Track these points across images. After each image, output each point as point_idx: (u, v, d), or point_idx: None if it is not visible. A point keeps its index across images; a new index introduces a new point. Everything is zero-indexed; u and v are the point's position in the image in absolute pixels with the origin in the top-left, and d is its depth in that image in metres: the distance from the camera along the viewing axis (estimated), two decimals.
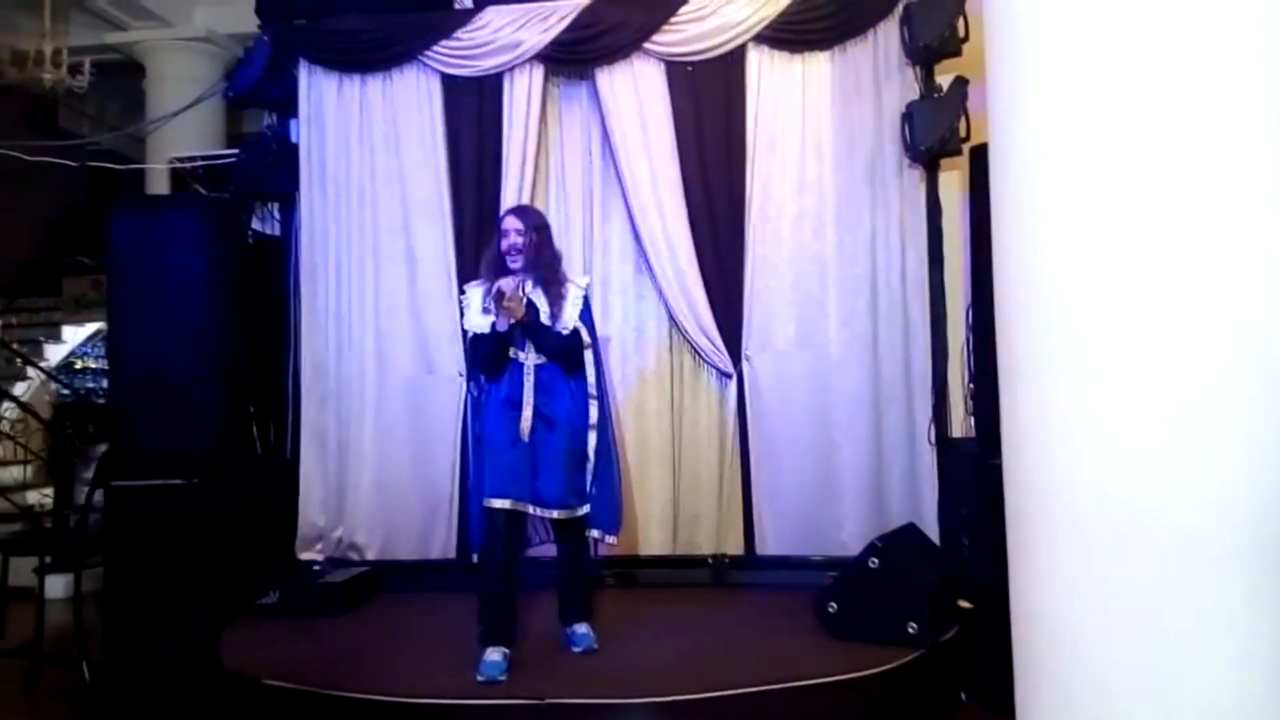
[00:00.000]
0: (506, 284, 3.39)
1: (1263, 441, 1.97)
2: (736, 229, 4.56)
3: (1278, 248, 1.98)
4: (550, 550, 3.74)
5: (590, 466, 3.53)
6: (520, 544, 3.59)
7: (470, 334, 3.59)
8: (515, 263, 3.50)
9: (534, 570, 3.77)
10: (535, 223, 3.57)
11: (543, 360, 3.50)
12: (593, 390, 3.55)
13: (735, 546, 4.55)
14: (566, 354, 3.52)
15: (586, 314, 3.58)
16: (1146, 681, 2.01)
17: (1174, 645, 1.99)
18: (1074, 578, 2.14)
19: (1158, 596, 2.00)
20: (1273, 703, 1.94)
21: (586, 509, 3.55)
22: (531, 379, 3.50)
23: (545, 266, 3.54)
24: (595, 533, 3.59)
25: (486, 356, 3.53)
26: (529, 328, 3.45)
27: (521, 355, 3.51)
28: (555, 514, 3.50)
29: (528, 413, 3.47)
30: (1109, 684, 2.06)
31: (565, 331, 3.50)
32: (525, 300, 3.42)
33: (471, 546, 4.48)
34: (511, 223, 3.54)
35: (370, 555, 4.71)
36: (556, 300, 3.50)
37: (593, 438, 3.52)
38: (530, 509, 3.47)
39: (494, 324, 3.45)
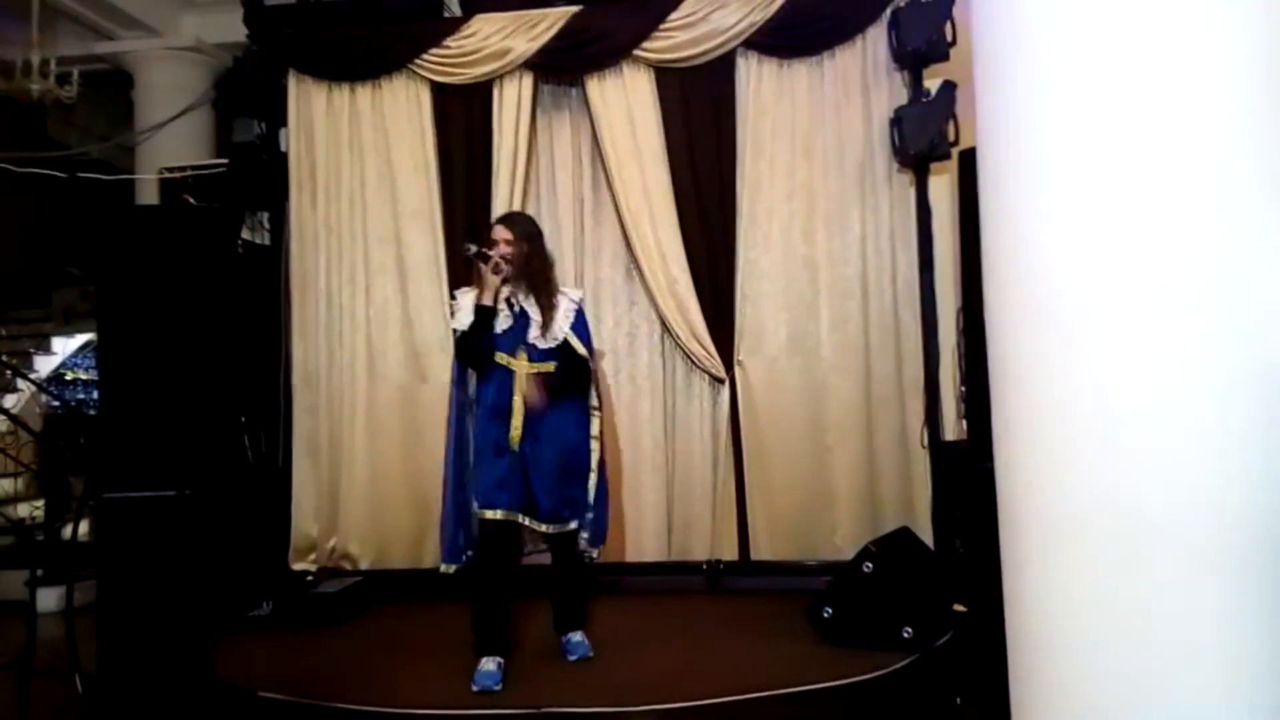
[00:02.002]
0: (497, 251, 3.41)
1: (1257, 444, 1.97)
2: (727, 234, 4.57)
3: (1270, 247, 1.99)
4: (544, 558, 3.74)
5: (594, 480, 3.56)
6: (514, 553, 3.58)
7: (458, 333, 3.54)
8: (505, 272, 3.44)
9: (528, 578, 3.76)
10: (525, 231, 3.52)
11: (535, 370, 3.48)
12: (594, 401, 3.57)
13: (729, 552, 4.54)
14: (579, 379, 3.54)
15: (580, 325, 3.55)
16: (1141, 685, 2.01)
17: (1168, 648, 1.99)
18: (1068, 580, 2.14)
19: (1152, 599, 2.00)
20: (1267, 706, 1.94)
21: (576, 523, 3.56)
22: (521, 387, 3.48)
23: (535, 275, 3.50)
24: (582, 544, 3.61)
25: (473, 345, 3.46)
26: (551, 390, 3.46)
27: (513, 363, 3.49)
28: (545, 528, 3.49)
29: (517, 421, 3.44)
30: (1103, 687, 2.06)
31: (555, 342, 3.48)
32: (503, 264, 3.41)
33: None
34: (500, 232, 3.50)
35: (363, 565, 4.70)
36: (548, 310, 3.48)
37: (596, 449, 3.55)
38: (521, 519, 3.46)
39: (477, 306, 3.42)
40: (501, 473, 3.43)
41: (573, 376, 3.52)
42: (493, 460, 3.45)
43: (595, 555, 3.67)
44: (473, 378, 3.60)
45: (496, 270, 3.40)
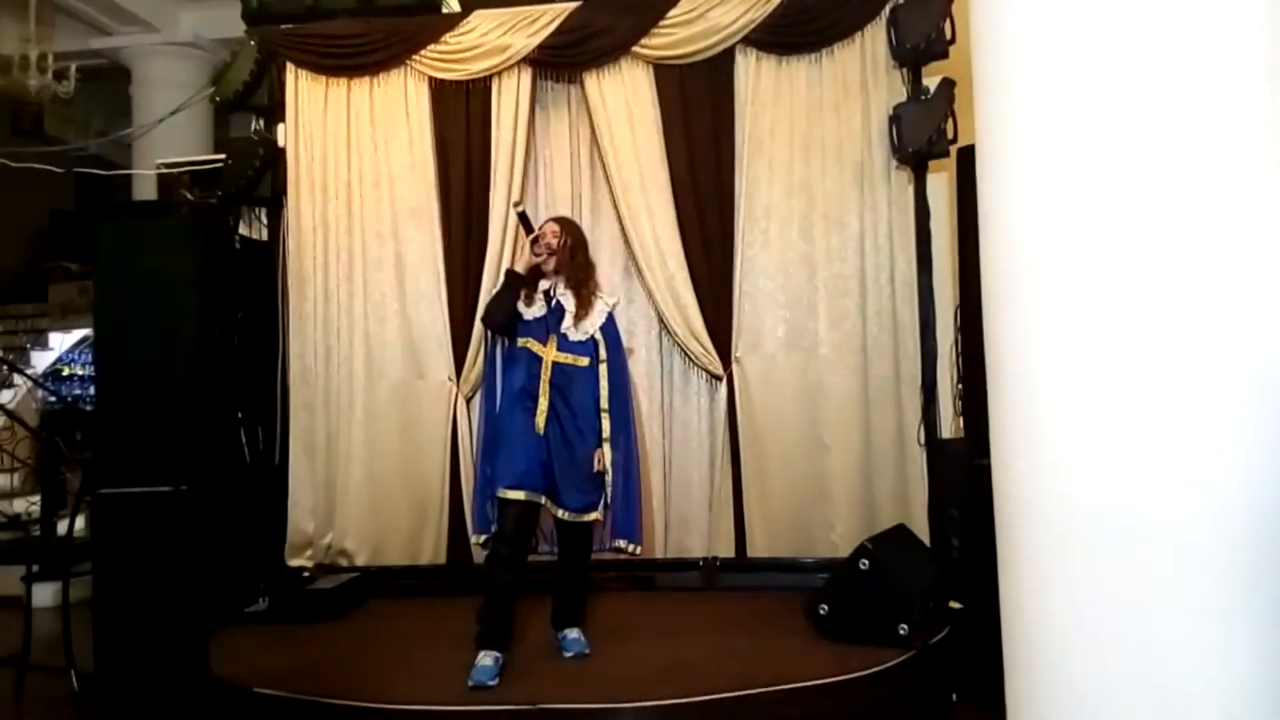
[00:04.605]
0: (543, 238, 3.63)
1: (1254, 445, 1.97)
2: (725, 231, 4.57)
3: (1268, 249, 1.98)
4: (548, 556, 3.76)
5: (608, 479, 3.58)
6: (529, 539, 3.60)
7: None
8: (547, 264, 3.61)
9: (530, 574, 3.76)
10: (572, 230, 3.73)
11: (563, 359, 3.55)
12: (604, 404, 3.59)
13: (726, 549, 4.55)
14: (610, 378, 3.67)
15: (610, 326, 3.67)
16: (1136, 681, 2.01)
17: (1163, 646, 1.99)
18: (1063, 578, 2.14)
19: (1146, 597, 2.01)
20: (1263, 702, 1.94)
21: (594, 515, 3.59)
22: (548, 374, 3.54)
23: (579, 269, 3.65)
24: (620, 543, 3.67)
25: (496, 304, 3.67)
26: None
27: (542, 350, 3.56)
28: (563, 514, 3.52)
29: (543, 405, 3.51)
30: (1098, 684, 2.06)
31: (585, 336, 3.59)
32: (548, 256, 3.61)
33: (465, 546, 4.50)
34: (550, 226, 3.69)
35: (360, 561, 4.70)
36: (585, 304, 3.60)
37: (607, 450, 3.56)
38: (543, 501, 3.49)
39: (507, 270, 3.72)
40: (525, 455, 3.48)
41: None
42: (518, 443, 3.51)
43: (630, 549, 3.70)
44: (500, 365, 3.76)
45: (535, 248, 3.59)
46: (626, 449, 3.67)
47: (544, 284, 3.64)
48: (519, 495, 3.44)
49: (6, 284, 9.05)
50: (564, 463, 3.51)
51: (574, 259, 3.64)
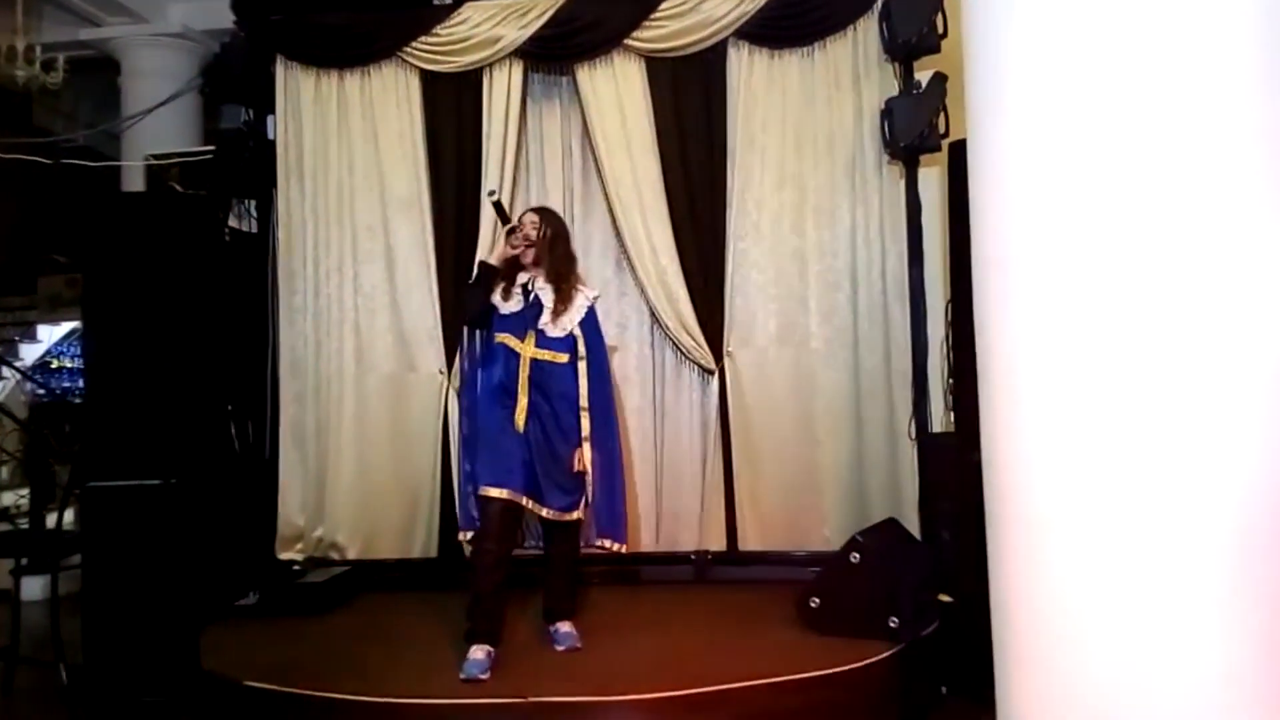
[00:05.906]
0: (521, 230, 3.58)
1: (1244, 434, 1.98)
2: (717, 225, 4.56)
3: (1258, 241, 1.99)
4: (535, 550, 3.75)
5: (588, 477, 3.53)
6: (514, 536, 3.57)
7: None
8: (526, 256, 3.56)
9: (520, 568, 3.76)
10: (553, 222, 3.66)
11: (541, 356, 3.51)
12: (583, 402, 3.54)
13: (717, 543, 4.54)
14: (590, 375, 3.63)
15: (590, 321, 3.60)
16: (1127, 673, 2.02)
17: (1154, 638, 2.00)
18: (1052, 571, 2.15)
19: (1138, 589, 2.01)
20: (1255, 695, 1.95)
21: (577, 514, 3.56)
22: (527, 371, 3.50)
23: (558, 262, 3.58)
24: (605, 542, 3.64)
25: (468, 297, 3.70)
26: None
27: (520, 346, 3.51)
28: (546, 512, 3.50)
29: (523, 402, 3.47)
30: (1088, 676, 2.07)
31: (564, 333, 3.53)
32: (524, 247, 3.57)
33: (454, 541, 4.49)
34: (529, 217, 3.62)
35: (351, 555, 4.68)
36: (564, 299, 3.54)
37: (587, 449, 3.52)
38: (524, 501, 3.46)
39: (480, 263, 3.71)
40: (506, 454, 3.45)
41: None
42: (497, 441, 3.48)
43: (614, 548, 3.68)
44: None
45: (512, 239, 3.54)
46: (609, 448, 3.62)
47: (523, 277, 3.58)
48: (501, 494, 3.41)
49: None
50: (545, 462, 3.48)
51: (554, 251, 3.57)
